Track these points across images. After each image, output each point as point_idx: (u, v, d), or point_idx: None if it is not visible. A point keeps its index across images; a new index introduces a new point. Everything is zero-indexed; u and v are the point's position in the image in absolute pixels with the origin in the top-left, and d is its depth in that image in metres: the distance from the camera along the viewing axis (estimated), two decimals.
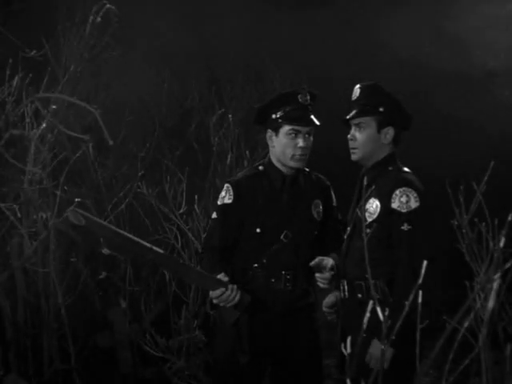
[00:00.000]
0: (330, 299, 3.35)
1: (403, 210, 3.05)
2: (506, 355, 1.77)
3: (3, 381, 4.53)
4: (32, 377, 4.78)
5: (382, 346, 1.69)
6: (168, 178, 5.00)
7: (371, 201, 3.15)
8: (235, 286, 3.22)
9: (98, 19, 4.96)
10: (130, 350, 5.19)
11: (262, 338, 3.33)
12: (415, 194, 3.07)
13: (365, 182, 3.22)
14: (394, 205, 3.07)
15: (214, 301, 3.25)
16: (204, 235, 4.46)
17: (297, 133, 3.33)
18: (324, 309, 3.36)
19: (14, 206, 4.62)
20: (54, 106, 4.70)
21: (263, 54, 6.29)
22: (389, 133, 3.20)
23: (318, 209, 3.47)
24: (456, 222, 2.56)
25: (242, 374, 3.33)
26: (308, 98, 3.37)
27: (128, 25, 5.29)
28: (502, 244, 1.77)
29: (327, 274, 3.29)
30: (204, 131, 5.99)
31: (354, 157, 3.26)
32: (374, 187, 3.18)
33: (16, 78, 4.40)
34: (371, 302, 1.67)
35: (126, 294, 5.30)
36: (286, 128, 3.34)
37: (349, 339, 1.64)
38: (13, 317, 4.82)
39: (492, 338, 2.03)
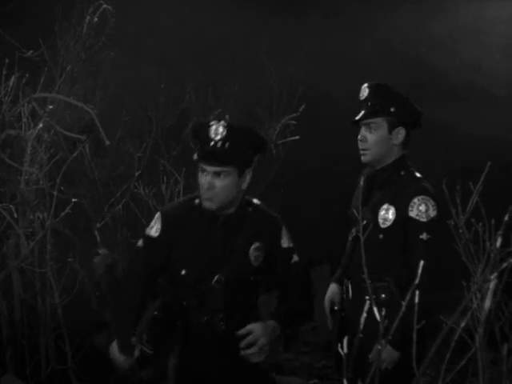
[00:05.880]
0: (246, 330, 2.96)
1: (422, 220, 3.02)
2: (502, 355, 1.77)
3: (0, 381, 4.52)
4: (29, 377, 4.77)
5: (379, 346, 1.69)
6: (165, 178, 4.99)
7: (385, 207, 3.09)
8: (134, 363, 3.07)
9: (95, 19, 4.96)
10: None
11: (199, 374, 3.11)
12: (433, 203, 3.04)
13: (363, 182, 3.20)
14: (412, 213, 3.03)
15: (111, 355, 3.09)
16: None
17: (203, 171, 2.98)
18: (248, 351, 2.94)
19: (11, 206, 4.61)
20: (50, 106, 4.70)
21: (261, 53, 6.29)
22: (400, 133, 3.15)
23: (257, 253, 3.06)
24: (453, 222, 2.56)
25: None
26: (223, 131, 2.89)
27: (125, 25, 5.29)
28: (498, 244, 1.77)
29: (254, 349, 2.92)
30: None
31: (364, 158, 3.19)
32: (385, 192, 3.14)
33: (13, 77, 4.39)
34: (368, 303, 1.67)
35: None
36: (198, 163, 2.99)
37: (345, 339, 1.64)
38: (9, 317, 4.81)
39: (489, 338, 2.03)
